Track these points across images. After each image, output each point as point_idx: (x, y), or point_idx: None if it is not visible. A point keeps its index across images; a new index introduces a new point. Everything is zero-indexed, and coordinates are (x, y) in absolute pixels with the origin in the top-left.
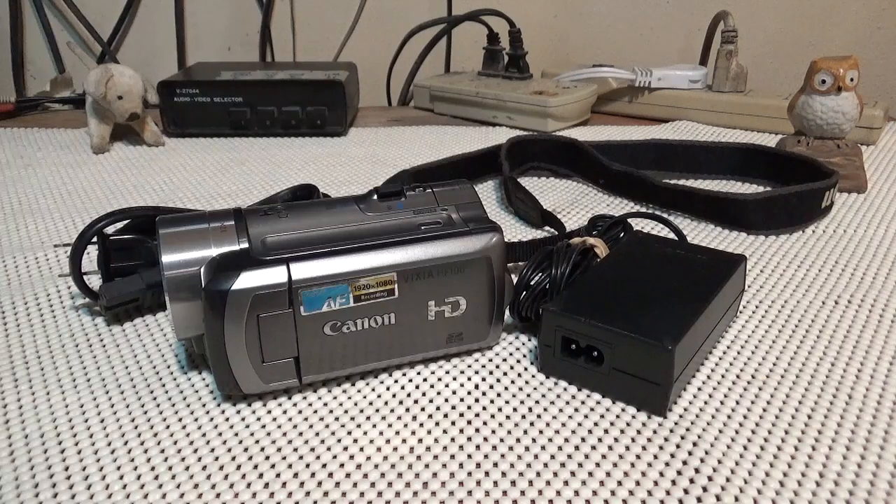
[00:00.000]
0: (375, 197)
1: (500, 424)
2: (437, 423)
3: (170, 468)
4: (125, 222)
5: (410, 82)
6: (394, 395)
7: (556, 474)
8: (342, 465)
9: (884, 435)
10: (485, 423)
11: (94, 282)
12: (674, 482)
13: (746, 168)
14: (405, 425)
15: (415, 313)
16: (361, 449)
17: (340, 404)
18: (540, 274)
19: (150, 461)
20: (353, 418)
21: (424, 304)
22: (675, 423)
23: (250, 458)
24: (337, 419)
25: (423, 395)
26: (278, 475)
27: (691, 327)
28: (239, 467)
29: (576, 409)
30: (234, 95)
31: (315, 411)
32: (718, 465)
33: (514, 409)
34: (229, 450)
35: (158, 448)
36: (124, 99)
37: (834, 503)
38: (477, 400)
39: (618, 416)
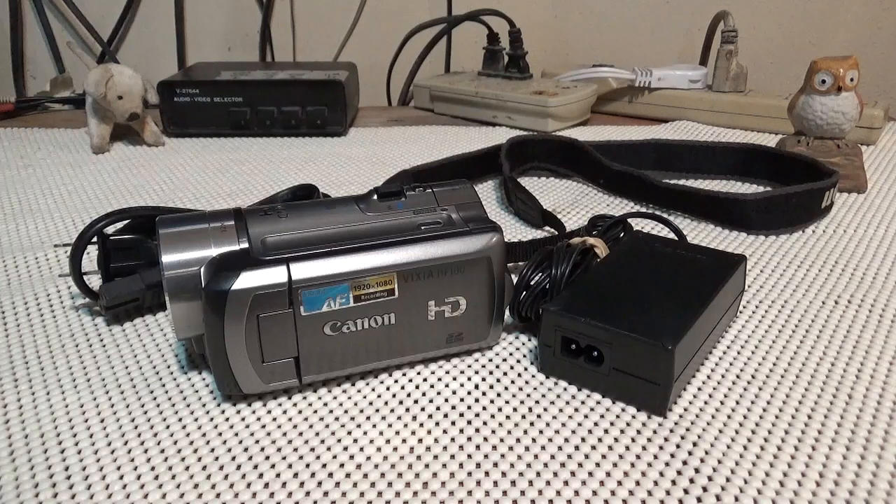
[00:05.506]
0: (375, 197)
1: (500, 424)
2: (437, 423)
3: (170, 468)
4: (125, 222)
5: (410, 82)
6: (394, 395)
7: (556, 474)
8: (342, 465)
9: (884, 435)
10: (485, 423)
11: (94, 282)
12: (674, 482)
13: (746, 168)
14: (405, 425)
15: (415, 313)
16: (361, 449)
17: (340, 404)
18: (540, 274)
19: (150, 461)
20: (353, 418)
21: (424, 304)
22: (675, 423)
23: (250, 458)
24: (337, 419)
25: (423, 395)
26: (278, 475)
27: (691, 327)
28: (239, 467)
29: (576, 409)
30: (234, 95)
31: (315, 411)
32: (718, 465)
33: (514, 409)
34: (229, 450)
35: (158, 448)
36: (124, 99)
37: (834, 503)
38: (477, 400)
39: (618, 416)
